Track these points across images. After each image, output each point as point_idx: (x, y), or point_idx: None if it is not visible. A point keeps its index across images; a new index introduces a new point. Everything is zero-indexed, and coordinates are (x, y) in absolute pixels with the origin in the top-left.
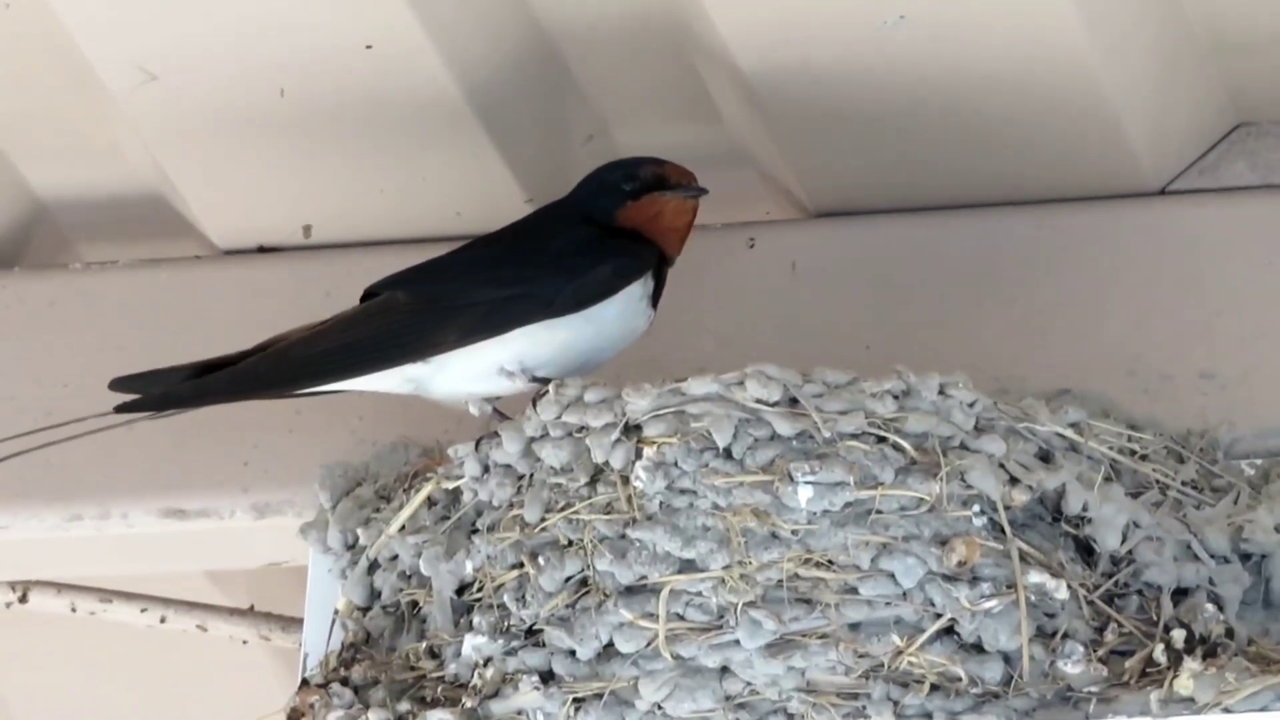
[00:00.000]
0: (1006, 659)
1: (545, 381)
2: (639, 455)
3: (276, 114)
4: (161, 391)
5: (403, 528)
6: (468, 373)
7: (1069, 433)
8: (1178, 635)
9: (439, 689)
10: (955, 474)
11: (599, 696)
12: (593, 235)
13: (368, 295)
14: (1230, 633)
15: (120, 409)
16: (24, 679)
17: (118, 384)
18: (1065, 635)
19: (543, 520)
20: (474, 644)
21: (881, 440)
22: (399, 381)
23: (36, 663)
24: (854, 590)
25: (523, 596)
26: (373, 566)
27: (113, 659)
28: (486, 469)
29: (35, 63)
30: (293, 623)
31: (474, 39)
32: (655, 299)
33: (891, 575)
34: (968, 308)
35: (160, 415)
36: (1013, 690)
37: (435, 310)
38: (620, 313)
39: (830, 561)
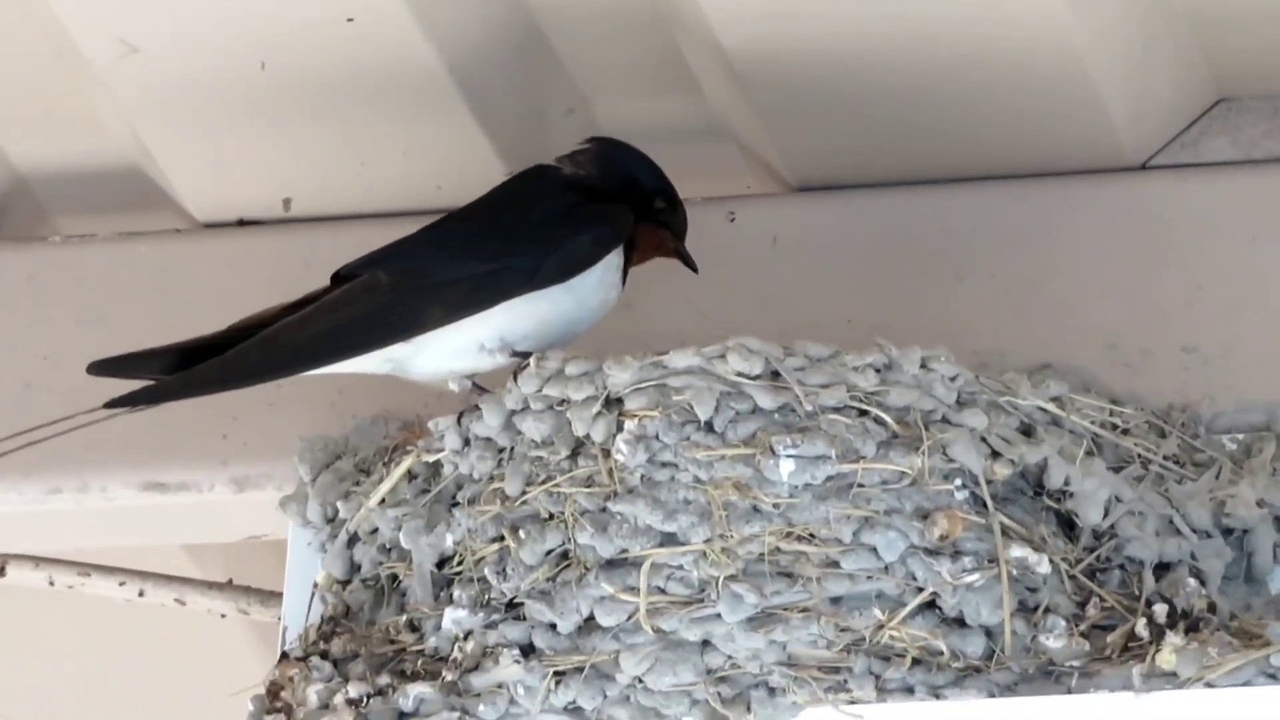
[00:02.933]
0: (988, 633)
1: (525, 355)
2: (620, 428)
3: (257, 87)
4: (150, 385)
5: (383, 501)
6: (448, 350)
7: (1051, 407)
8: (1160, 610)
9: (419, 662)
10: (937, 448)
11: (580, 670)
12: (570, 203)
13: (337, 277)
14: (1212, 607)
15: (111, 404)
16: (3, 651)
17: (96, 368)
18: (1047, 610)
19: (523, 493)
20: (454, 617)
21: (863, 414)
22: (379, 362)
23: (14, 636)
24: (835, 564)
25: (503, 570)
26: (352, 540)
27: (91, 632)
28: (467, 442)
29: (15, 35)
30: (271, 596)
31: (455, 12)
32: (625, 272)
33: (873, 549)
34: (949, 282)
35: (151, 406)
36: (994, 664)
37: (419, 288)
38: (599, 282)
39: (812, 535)
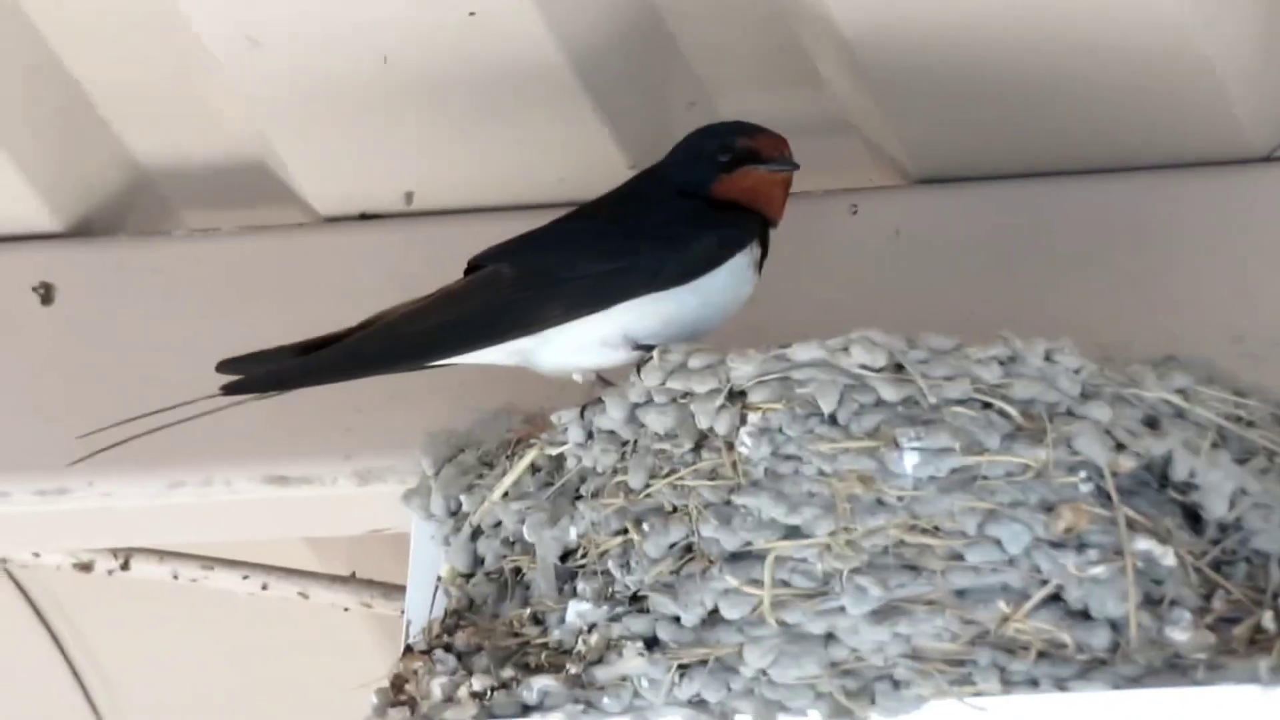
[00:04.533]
0: (1113, 626)
1: (649, 349)
2: (744, 421)
3: (379, 81)
4: (269, 372)
5: (506, 494)
6: (573, 345)
7: (1175, 399)
8: None
9: (543, 655)
10: (1062, 440)
11: (704, 663)
12: (696, 205)
13: (472, 267)
14: None
15: (227, 389)
16: (126, 647)
17: (225, 366)
18: (1172, 602)
19: (647, 486)
20: (578, 610)
21: (987, 406)
22: (505, 355)
23: (138, 631)
24: (960, 557)
25: (627, 563)
26: (476, 533)
27: (214, 626)
28: (590, 435)
29: (139, 30)
30: (394, 590)
31: (577, 5)
32: (760, 264)
33: (998, 542)
34: (1071, 274)
35: (267, 395)
36: (1120, 657)
37: (540, 284)
38: (726, 282)
39: (936, 528)
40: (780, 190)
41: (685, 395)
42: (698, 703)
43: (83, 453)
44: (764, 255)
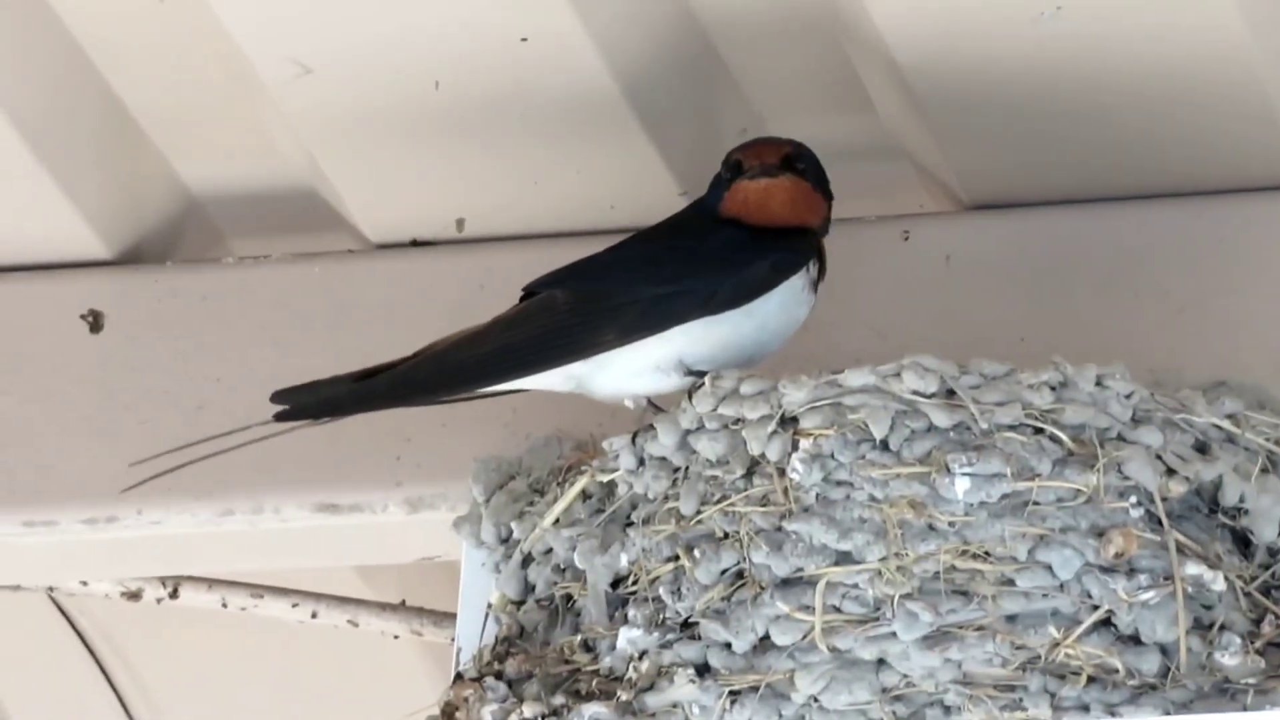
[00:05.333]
0: (1164, 650)
1: (701, 374)
2: (795, 447)
3: (430, 107)
4: (321, 400)
5: (557, 521)
6: (628, 370)
7: (1226, 424)
8: None
9: (594, 682)
10: (1112, 465)
11: (755, 689)
12: (747, 228)
13: (526, 294)
14: None
15: (280, 416)
16: (175, 675)
17: (279, 396)
18: (1223, 627)
19: (698, 513)
20: (629, 637)
21: (1039, 431)
22: (560, 380)
23: (188, 659)
24: (1011, 582)
25: (678, 589)
26: (527, 560)
27: (264, 654)
28: (642, 462)
29: (189, 57)
30: (444, 618)
31: (629, 31)
32: (818, 282)
33: (1049, 567)
34: (1123, 300)
35: (320, 422)
36: (1170, 682)
37: (593, 309)
38: (781, 305)
39: (987, 553)
40: (776, 198)
41: (737, 421)
42: None
43: (134, 480)
44: (822, 272)
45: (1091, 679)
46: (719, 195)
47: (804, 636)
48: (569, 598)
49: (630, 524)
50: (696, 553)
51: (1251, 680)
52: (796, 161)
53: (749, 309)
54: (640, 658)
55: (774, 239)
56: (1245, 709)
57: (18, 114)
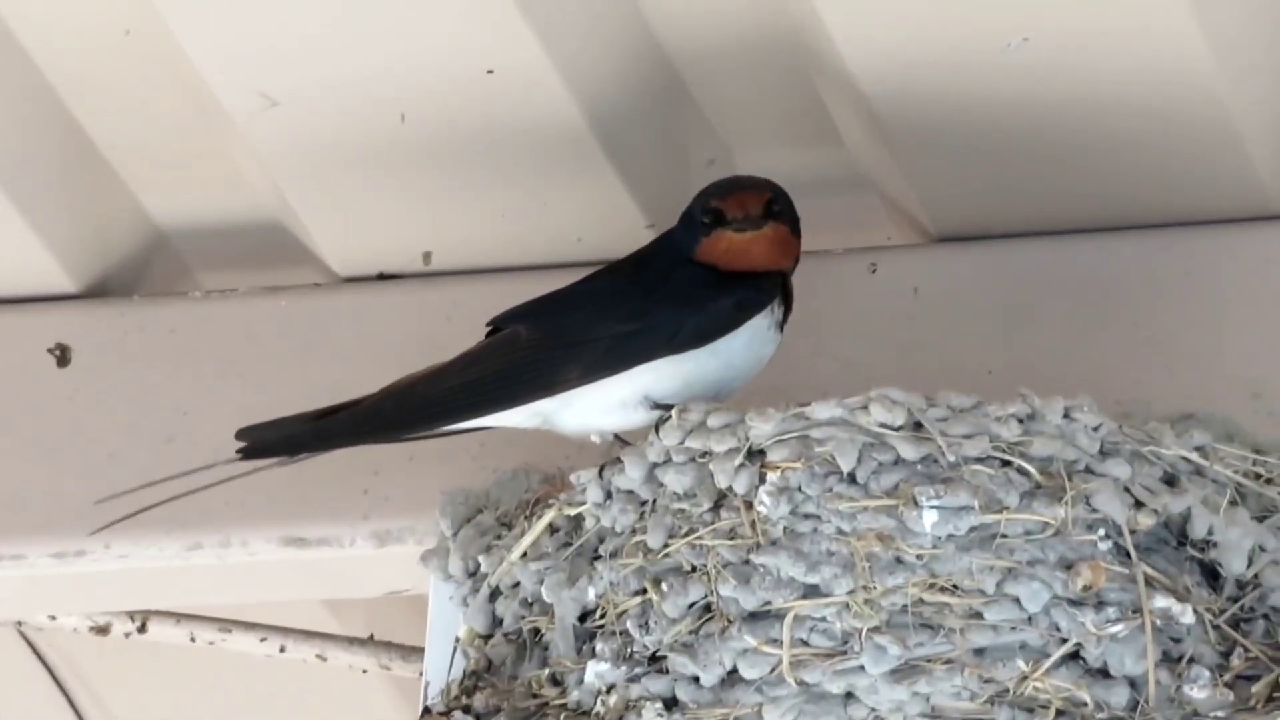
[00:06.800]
0: (1132, 684)
1: (667, 408)
2: (763, 480)
3: (397, 139)
4: (286, 436)
5: (525, 554)
6: (594, 407)
7: (1194, 456)
8: None
9: (562, 716)
10: (1080, 498)
11: None
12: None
13: (492, 328)
14: None
15: (245, 454)
16: (142, 710)
17: (243, 433)
18: (1191, 660)
19: (666, 546)
20: (597, 671)
21: (1006, 464)
22: (526, 416)
23: (156, 693)
24: (979, 615)
25: (646, 623)
26: (494, 594)
27: (232, 689)
28: (609, 495)
29: (155, 90)
30: (412, 652)
31: (596, 63)
32: (783, 321)
33: (1017, 600)
34: (1091, 332)
35: (287, 462)
36: (1139, 715)
37: (557, 346)
38: (746, 344)
39: (955, 586)
40: (758, 249)
41: (704, 454)
42: None
43: (101, 521)
44: (787, 311)
45: (1060, 712)
46: (693, 239)
47: (772, 670)
48: (537, 631)
49: (598, 557)
50: (664, 586)
51: (1220, 714)
52: (774, 205)
53: (714, 347)
54: (608, 691)
55: (739, 278)
56: None
57: None
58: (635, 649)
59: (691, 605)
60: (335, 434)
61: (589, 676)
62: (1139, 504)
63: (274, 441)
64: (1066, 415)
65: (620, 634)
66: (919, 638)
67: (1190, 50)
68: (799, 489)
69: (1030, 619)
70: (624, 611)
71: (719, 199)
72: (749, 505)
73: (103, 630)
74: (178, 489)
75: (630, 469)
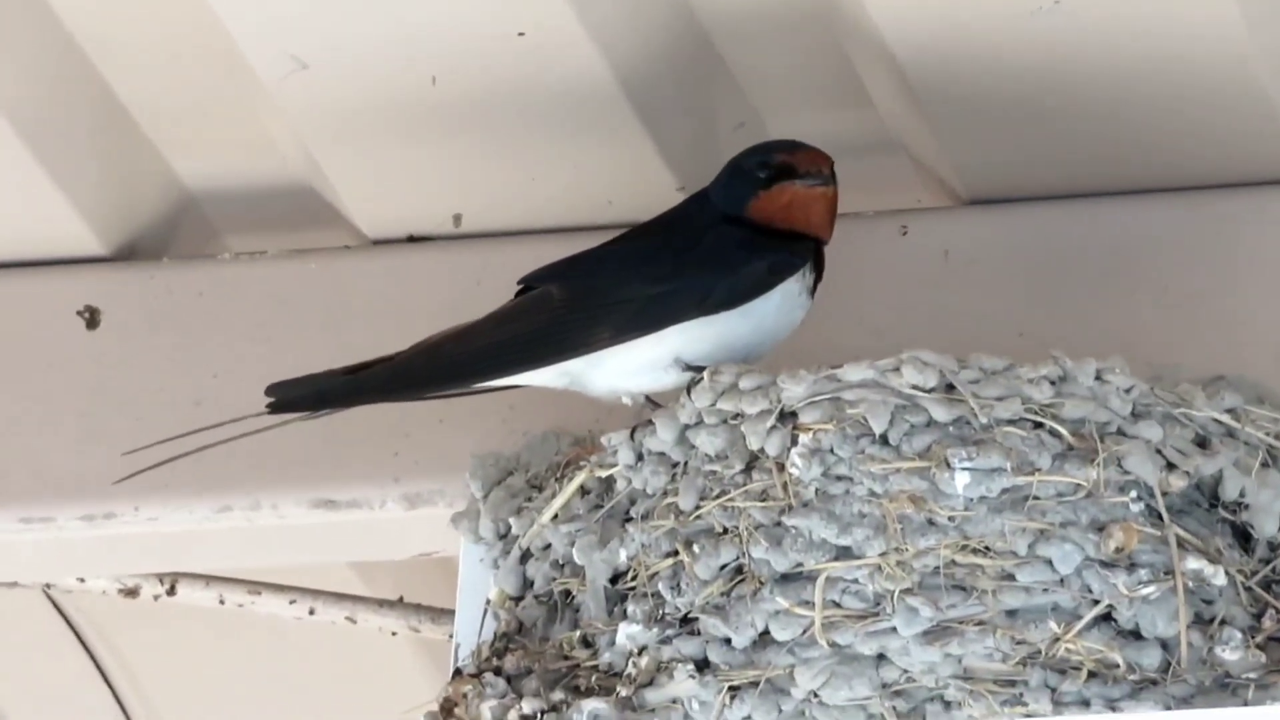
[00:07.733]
0: (1164, 645)
1: (699, 370)
2: (795, 442)
3: (427, 102)
4: (315, 392)
5: (556, 516)
6: (624, 368)
7: (1226, 419)
8: None
9: (593, 678)
10: (1112, 460)
11: (754, 684)
12: (746, 228)
13: (522, 288)
14: None
15: (273, 408)
16: (170, 673)
17: (273, 389)
18: (1223, 621)
19: (697, 508)
20: (628, 633)
21: (1038, 426)
22: (555, 376)
23: (184, 655)
24: (1011, 577)
25: (677, 585)
26: (525, 556)
27: (261, 651)
28: (641, 457)
29: (186, 53)
30: (442, 614)
31: (626, 25)
32: (814, 288)
33: (1049, 561)
34: (1122, 294)
35: (314, 415)
36: (1170, 677)
37: (588, 307)
38: (777, 307)
39: (987, 548)
40: (820, 206)
41: (736, 416)
42: None
43: (127, 472)
44: (818, 278)
45: (1092, 674)
46: (745, 193)
47: (804, 631)
48: (568, 593)
49: (629, 519)
50: (696, 548)
51: (1252, 675)
52: (834, 170)
53: (745, 309)
54: (639, 653)
55: (772, 240)
56: (1246, 704)
57: (14, 110)
58: (667, 611)
59: (723, 567)
60: (365, 390)
61: (620, 638)
62: (1171, 466)
63: (303, 396)
64: (1098, 377)
65: (652, 596)
66: (951, 599)
67: (1221, 12)
68: (831, 451)
69: (1062, 581)
70: (655, 573)
71: (786, 154)
72: (781, 467)
73: (132, 593)
74: (203, 441)
75: (662, 431)
